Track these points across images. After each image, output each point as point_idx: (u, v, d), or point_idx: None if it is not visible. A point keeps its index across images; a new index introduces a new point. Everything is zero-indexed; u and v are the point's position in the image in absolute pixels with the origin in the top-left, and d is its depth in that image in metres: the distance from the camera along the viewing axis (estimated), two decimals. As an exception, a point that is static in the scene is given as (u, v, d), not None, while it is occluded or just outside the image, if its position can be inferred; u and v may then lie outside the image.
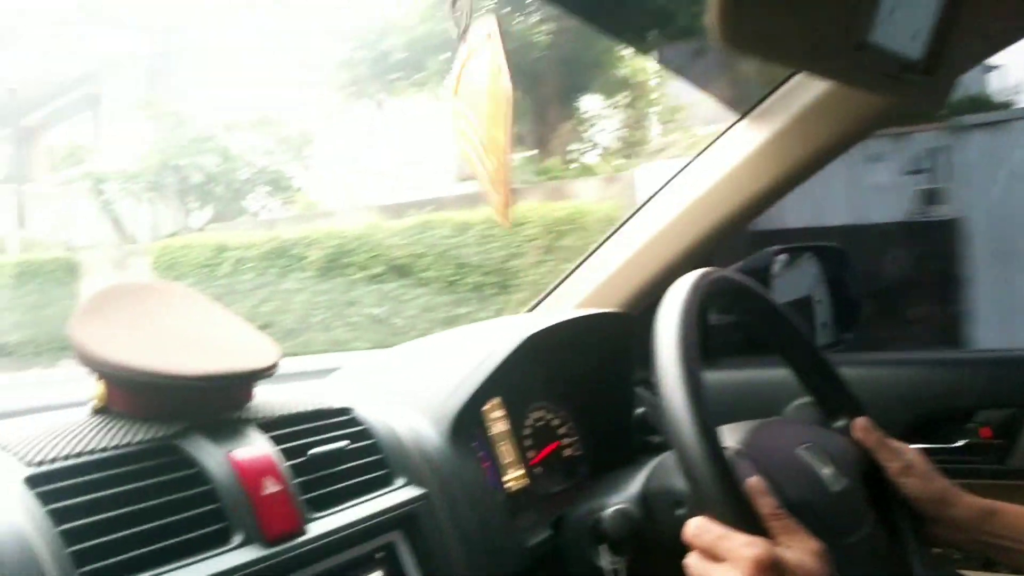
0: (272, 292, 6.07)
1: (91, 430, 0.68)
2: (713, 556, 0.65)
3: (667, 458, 0.82)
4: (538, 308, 1.35)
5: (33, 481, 0.60)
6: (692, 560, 0.67)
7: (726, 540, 0.63)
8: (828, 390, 0.92)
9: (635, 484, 0.83)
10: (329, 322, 5.67)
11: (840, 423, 0.89)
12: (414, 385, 0.96)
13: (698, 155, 1.25)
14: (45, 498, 0.58)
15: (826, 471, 0.77)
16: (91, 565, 0.56)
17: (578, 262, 1.35)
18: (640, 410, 1.10)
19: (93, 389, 0.72)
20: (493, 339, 0.99)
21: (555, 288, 1.35)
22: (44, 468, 0.62)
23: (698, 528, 0.66)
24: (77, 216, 10.42)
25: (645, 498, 0.81)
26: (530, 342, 0.97)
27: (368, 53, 8.73)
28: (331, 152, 10.17)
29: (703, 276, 0.78)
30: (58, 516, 0.58)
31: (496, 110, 0.86)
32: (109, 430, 0.68)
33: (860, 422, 0.86)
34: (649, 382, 1.16)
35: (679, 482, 0.74)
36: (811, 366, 0.92)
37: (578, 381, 1.13)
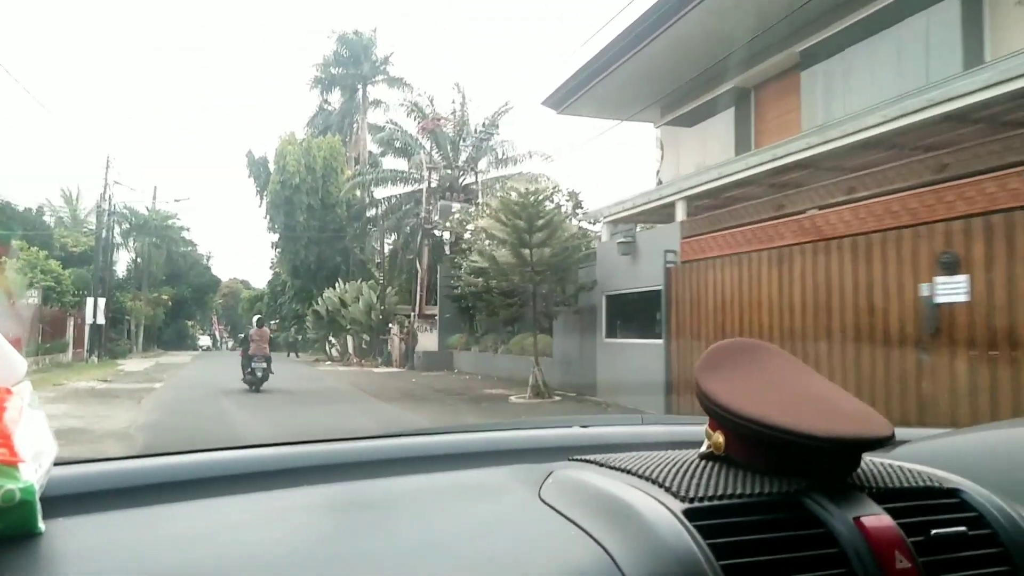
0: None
1: (714, 474, 0.73)
2: None
3: None
4: None
5: (691, 514, 0.65)
6: None
7: None
8: None
9: None
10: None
11: None
12: (1009, 475, 0.86)
13: None
14: (704, 532, 0.63)
15: None
16: None
17: None
18: None
19: (709, 436, 0.77)
20: None
21: None
22: (698, 504, 0.67)
23: None
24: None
25: None
26: None
27: None
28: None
29: None
30: (717, 551, 0.62)
31: None
32: (732, 477, 0.72)
33: None
34: None
35: None
36: None
37: None
